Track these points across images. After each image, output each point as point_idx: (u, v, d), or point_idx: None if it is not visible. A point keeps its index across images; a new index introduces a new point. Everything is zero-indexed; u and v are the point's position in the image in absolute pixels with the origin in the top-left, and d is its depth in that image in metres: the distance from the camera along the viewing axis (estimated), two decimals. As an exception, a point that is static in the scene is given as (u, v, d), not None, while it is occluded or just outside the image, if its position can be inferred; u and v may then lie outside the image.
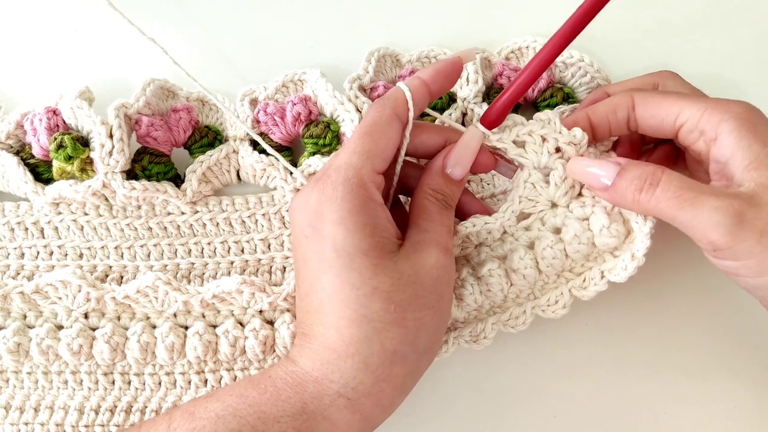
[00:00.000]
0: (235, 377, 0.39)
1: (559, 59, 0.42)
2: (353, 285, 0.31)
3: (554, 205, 0.36)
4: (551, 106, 0.42)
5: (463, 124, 0.43)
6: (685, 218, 0.31)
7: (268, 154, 0.41)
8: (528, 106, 0.44)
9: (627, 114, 0.36)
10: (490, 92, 0.43)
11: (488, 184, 0.42)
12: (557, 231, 0.36)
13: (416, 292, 0.31)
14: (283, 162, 0.40)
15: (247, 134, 0.41)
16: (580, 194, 0.36)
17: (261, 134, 0.42)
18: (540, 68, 0.34)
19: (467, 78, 0.42)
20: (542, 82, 0.43)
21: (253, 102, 0.42)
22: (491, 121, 0.36)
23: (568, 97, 0.43)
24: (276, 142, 0.42)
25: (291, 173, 0.40)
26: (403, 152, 0.35)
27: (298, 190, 0.41)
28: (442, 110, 0.42)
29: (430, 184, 0.35)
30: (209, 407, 0.31)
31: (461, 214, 0.38)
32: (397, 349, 0.31)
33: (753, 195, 0.30)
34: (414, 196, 0.35)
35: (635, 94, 0.35)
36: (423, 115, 0.41)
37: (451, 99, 0.43)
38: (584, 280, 0.37)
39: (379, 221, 0.32)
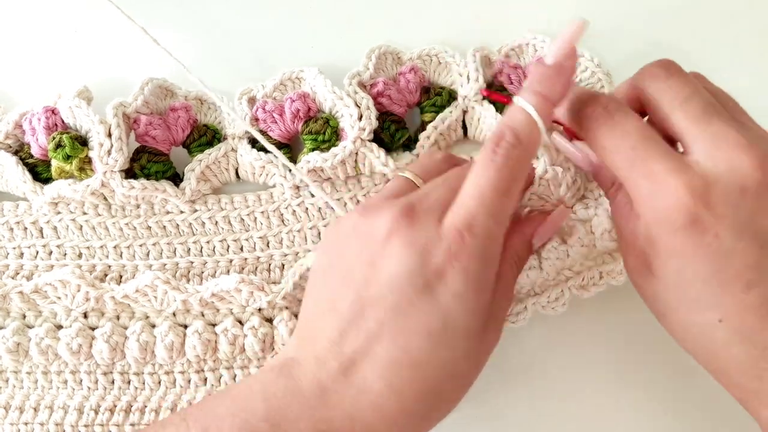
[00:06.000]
0: (235, 376, 0.39)
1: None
2: (444, 363, 0.29)
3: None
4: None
5: (463, 121, 0.43)
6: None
7: (267, 152, 0.41)
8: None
9: None
10: (490, 90, 0.43)
11: None
12: (559, 234, 0.37)
13: (470, 369, 0.31)
14: (282, 159, 0.40)
15: (246, 132, 0.41)
16: (583, 196, 0.37)
17: (259, 132, 0.42)
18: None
19: (467, 76, 0.42)
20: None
21: (251, 100, 0.42)
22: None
23: (569, 93, 0.42)
24: (275, 140, 0.42)
25: (290, 170, 0.40)
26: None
27: (298, 188, 0.41)
28: (442, 107, 0.42)
29: (518, 251, 0.34)
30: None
31: None
32: (434, 421, 0.31)
33: None
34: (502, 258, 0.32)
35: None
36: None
37: (452, 97, 0.42)
38: (583, 279, 0.37)
39: (492, 301, 0.30)
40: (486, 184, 0.29)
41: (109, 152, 0.39)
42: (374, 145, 0.40)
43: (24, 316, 0.39)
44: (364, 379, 0.29)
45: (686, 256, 0.28)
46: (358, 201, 0.41)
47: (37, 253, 0.41)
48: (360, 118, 0.40)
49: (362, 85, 0.42)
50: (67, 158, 0.39)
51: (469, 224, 0.29)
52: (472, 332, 0.29)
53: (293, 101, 0.41)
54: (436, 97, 0.42)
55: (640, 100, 0.31)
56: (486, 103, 0.42)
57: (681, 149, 0.30)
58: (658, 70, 0.30)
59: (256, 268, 0.41)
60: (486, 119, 0.41)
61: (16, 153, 0.41)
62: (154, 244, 0.41)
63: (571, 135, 0.34)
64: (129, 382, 0.39)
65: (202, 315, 0.39)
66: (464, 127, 0.43)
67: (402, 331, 0.29)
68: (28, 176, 0.40)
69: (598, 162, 0.33)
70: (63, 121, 0.40)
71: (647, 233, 0.29)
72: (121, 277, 0.41)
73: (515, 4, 0.47)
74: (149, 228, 0.41)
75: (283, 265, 0.41)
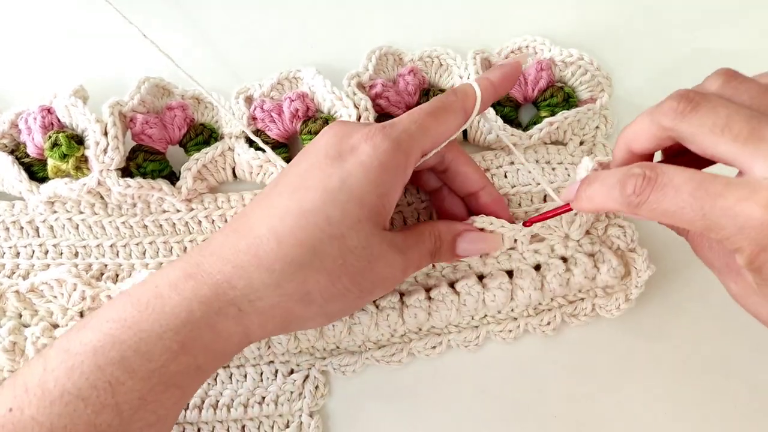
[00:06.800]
0: (231, 375, 0.40)
1: (558, 58, 0.42)
2: (330, 220, 0.30)
3: (566, 237, 0.39)
4: (551, 106, 0.42)
5: (465, 132, 0.43)
6: None
7: (265, 151, 0.40)
8: (528, 106, 0.44)
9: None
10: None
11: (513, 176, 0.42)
12: (563, 259, 0.39)
13: (364, 272, 0.32)
14: (278, 160, 0.40)
15: (243, 131, 0.41)
16: (588, 232, 0.39)
17: (257, 131, 0.41)
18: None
19: (468, 78, 0.42)
20: (542, 82, 0.42)
21: (248, 99, 0.42)
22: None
23: (569, 97, 0.42)
24: (273, 139, 0.41)
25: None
26: (440, 147, 0.35)
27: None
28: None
29: (442, 232, 0.36)
30: (85, 340, 0.29)
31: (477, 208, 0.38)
32: (312, 294, 0.31)
33: None
34: (427, 224, 0.36)
35: None
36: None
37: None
38: (575, 309, 0.40)
39: (392, 194, 0.32)
40: (420, 108, 0.34)
41: (105, 151, 0.38)
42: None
43: (20, 315, 0.39)
44: (250, 228, 0.31)
45: None
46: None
47: (33, 252, 0.41)
48: (359, 119, 0.40)
49: (361, 86, 0.42)
50: (64, 157, 0.38)
51: (393, 122, 0.33)
52: (366, 205, 0.31)
53: (292, 101, 0.41)
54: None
55: (672, 139, 0.29)
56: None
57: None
58: (683, 106, 0.28)
59: (253, 268, 0.41)
60: (486, 123, 0.41)
61: (12, 152, 0.41)
62: (150, 243, 0.41)
63: None
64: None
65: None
66: (464, 131, 0.43)
67: (301, 187, 0.31)
68: (24, 175, 0.40)
69: None
70: (59, 120, 0.40)
71: (752, 264, 0.27)
72: (117, 276, 0.41)
73: (515, 6, 0.47)
74: (145, 227, 0.41)
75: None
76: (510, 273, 0.39)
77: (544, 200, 0.41)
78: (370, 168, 0.31)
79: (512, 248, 0.38)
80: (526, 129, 0.42)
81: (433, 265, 0.40)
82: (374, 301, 0.39)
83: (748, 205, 0.25)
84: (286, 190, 0.32)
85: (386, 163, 0.31)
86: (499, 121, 0.41)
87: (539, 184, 0.41)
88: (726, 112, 0.27)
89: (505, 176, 0.41)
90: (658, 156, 0.33)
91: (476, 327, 0.40)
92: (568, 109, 0.41)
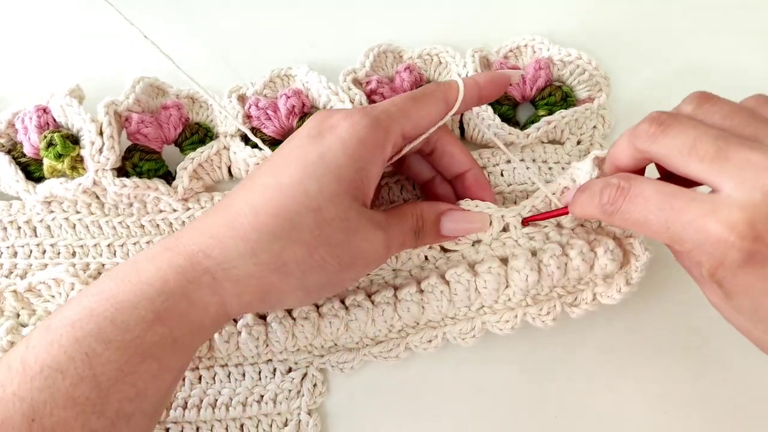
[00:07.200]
0: (229, 374, 0.40)
1: (556, 57, 0.42)
2: (307, 193, 0.31)
3: (559, 225, 0.38)
4: (549, 105, 0.42)
5: (461, 122, 0.42)
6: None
7: (261, 149, 0.40)
8: (526, 105, 0.44)
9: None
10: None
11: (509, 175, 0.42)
12: (560, 245, 0.37)
13: (342, 244, 0.32)
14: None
15: (238, 130, 0.41)
16: (582, 225, 0.38)
17: (252, 129, 0.41)
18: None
19: (466, 76, 0.42)
20: (540, 81, 0.42)
21: (241, 98, 0.42)
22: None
23: (567, 96, 0.42)
24: (269, 136, 0.41)
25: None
26: (425, 135, 0.35)
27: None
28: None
29: (424, 211, 0.36)
30: (65, 315, 0.30)
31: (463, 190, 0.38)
32: (288, 265, 0.31)
33: None
34: (410, 203, 0.36)
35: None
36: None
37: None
38: (576, 299, 0.39)
39: (370, 169, 0.33)
40: (401, 94, 0.35)
41: (100, 150, 0.38)
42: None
43: (18, 315, 0.39)
44: (230, 205, 0.32)
45: (755, 292, 0.27)
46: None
47: (31, 252, 0.41)
48: (354, 114, 0.40)
49: (357, 82, 0.42)
50: (59, 157, 0.38)
51: (373, 105, 0.34)
52: (344, 179, 0.31)
53: (288, 98, 0.41)
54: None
55: (648, 160, 0.30)
56: (483, 105, 0.41)
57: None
58: (654, 128, 0.29)
59: (249, 267, 0.41)
60: (484, 120, 0.41)
61: (9, 152, 0.41)
62: (147, 243, 0.41)
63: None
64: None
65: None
66: (461, 128, 0.42)
67: (281, 164, 0.32)
68: (20, 175, 0.40)
69: None
70: (55, 120, 0.40)
71: (713, 278, 0.28)
72: (114, 275, 0.41)
73: (513, 5, 0.46)
74: (142, 226, 0.41)
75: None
76: (505, 261, 0.38)
77: None
78: (349, 143, 0.32)
79: (507, 236, 0.37)
80: (523, 128, 0.41)
81: (426, 257, 0.39)
82: (369, 297, 0.38)
83: (708, 221, 0.26)
84: (268, 170, 0.33)
85: (365, 139, 0.32)
86: (497, 119, 0.40)
87: (534, 183, 0.40)
88: (694, 134, 0.28)
89: (502, 174, 0.41)
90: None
91: (472, 318, 0.39)
92: (565, 109, 0.41)
